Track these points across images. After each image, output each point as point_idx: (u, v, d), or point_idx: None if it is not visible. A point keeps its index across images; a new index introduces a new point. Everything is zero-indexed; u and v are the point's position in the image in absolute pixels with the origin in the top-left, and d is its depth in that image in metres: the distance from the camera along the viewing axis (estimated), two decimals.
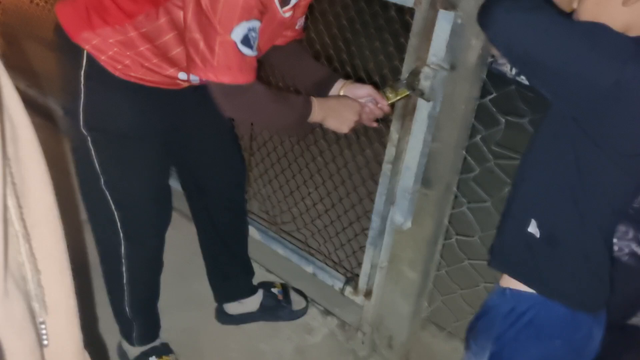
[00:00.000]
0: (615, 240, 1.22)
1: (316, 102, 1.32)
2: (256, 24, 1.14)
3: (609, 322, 1.30)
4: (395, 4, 1.51)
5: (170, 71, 1.32)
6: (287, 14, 1.27)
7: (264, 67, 1.57)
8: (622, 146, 0.83)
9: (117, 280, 1.54)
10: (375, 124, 1.44)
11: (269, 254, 2.09)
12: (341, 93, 1.43)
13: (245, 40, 1.13)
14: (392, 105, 1.44)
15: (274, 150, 2.29)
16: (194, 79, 1.34)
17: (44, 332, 0.53)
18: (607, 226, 0.93)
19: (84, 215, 1.84)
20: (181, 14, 1.19)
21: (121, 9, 1.23)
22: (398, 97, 1.41)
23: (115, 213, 1.42)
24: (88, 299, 1.83)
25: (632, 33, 0.84)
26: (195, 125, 1.55)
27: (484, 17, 0.89)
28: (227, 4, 1.07)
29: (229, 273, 1.85)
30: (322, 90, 1.46)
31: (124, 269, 1.51)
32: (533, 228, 0.93)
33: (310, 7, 1.83)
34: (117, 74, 1.28)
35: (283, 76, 1.59)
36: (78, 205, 1.98)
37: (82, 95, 1.29)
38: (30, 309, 0.49)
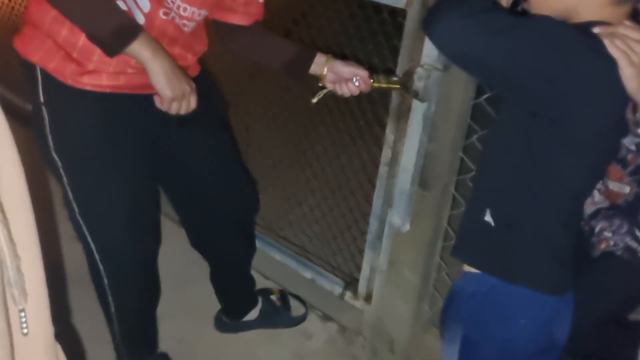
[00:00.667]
0: (609, 234, 1.22)
1: (148, 37, 1.11)
2: None
3: (608, 317, 1.30)
4: (387, 6, 1.51)
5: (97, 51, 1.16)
6: None
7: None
8: (576, 132, 0.85)
9: (107, 309, 1.49)
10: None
11: (266, 260, 2.08)
12: (325, 69, 1.34)
13: None
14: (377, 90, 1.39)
15: (269, 156, 2.29)
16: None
17: (24, 320, 0.51)
18: (565, 210, 0.95)
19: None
20: None
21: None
22: (385, 85, 1.36)
23: (92, 245, 1.34)
24: (60, 289, 1.80)
25: (579, 16, 0.85)
26: (184, 141, 1.41)
27: (431, 23, 0.88)
28: None
29: (236, 292, 1.82)
30: (300, 68, 1.35)
31: (110, 299, 1.45)
32: (488, 217, 0.95)
33: (304, 13, 1.83)
34: (69, 82, 1.18)
35: (252, 63, 1.46)
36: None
37: (46, 116, 1.21)
38: (3, 295, 0.48)
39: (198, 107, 1.25)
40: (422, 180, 1.54)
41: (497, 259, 0.98)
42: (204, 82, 1.36)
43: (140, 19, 1.17)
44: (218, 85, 1.57)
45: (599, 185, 1.24)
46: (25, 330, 0.52)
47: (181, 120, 1.27)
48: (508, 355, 0.98)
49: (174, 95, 1.14)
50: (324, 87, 1.37)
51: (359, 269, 1.82)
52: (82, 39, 1.15)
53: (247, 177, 1.62)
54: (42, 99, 1.20)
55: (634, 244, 1.20)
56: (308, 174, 2.27)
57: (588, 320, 1.31)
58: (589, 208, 1.26)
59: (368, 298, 1.81)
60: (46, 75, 1.19)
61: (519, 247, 0.96)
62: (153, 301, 1.59)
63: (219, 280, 1.79)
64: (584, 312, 1.31)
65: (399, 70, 1.46)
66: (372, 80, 1.34)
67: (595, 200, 1.26)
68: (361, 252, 1.80)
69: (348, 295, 1.86)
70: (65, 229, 2.05)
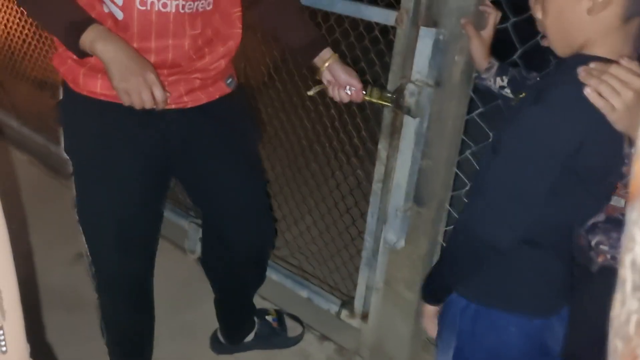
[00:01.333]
0: (606, 248, 1.22)
1: (101, 30, 1.08)
2: None
3: (607, 333, 1.27)
4: (378, 24, 1.53)
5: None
6: None
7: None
8: (592, 177, 0.90)
9: (100, 323, 1.51)
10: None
11: None
12: (325, 66, 1.32)
13: None
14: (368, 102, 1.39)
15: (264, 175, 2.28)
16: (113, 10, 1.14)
17: (2, 338, 0.51)
18: (562, 240, 0.99)
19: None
20: None
21: None
22: (376, 100, 1.36)
23: (87, 246, 1.37)
24: (34, 305, 1.79)
25: (590, 49, 0.87)
26: (202, 163, 1.38)
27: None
28: None
29: (240, 323, 1.80)
30: (304, 56, 1.34)
31: (100, 312, 1.47)
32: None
33: None
34: (77, 90, 1.24)
35: (267, 33, 1.46)
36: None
37: (63, 119, 1.31)
38: None
39: (215, 130, 1.30)
40: (417, 196, 1.54)
41: (487, 285, 1.00)
42: (232, 102, 1.36)
43: (119, 14, 1.15)
44: (251, 109, 1.54)
45: None
46: (4, 349, 0.51)
47: (183, 136, 1.29)
48: None
49: (126, 87, 1.07)
50: (320, 82, 1.35)
51: (355, 287, 1.81)
52: None
53: (268, 213, 1.57)
54: (63, 106, 1.30)
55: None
56: (303, 192, 2.27)
57: (587, 336, 1.29)
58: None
59: (365, 317, 1.79)
60: (65, 84, 1.28)
61: (511, 274, 0.99)
62: (145, 322, 1.57)
63: (224, 307, 1.77)
64: (583, 328, 1.29)
65: (390, 86, 1.47)
66: (364, 93, 1.35)
67: None
68: (357, 270, 1.79)
69: (345, 314, 1.84)
70: (39, 246, 2.06)
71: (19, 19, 3.11)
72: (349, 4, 1.50)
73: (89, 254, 1.39)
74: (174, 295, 1.96)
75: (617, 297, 0.30)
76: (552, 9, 0.89)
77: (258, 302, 2.00)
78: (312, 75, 1.39)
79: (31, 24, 3.05)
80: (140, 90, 1.07)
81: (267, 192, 1.61)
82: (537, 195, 0.88)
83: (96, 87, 1.21)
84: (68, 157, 1.32)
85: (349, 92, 1.33)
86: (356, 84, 1.32)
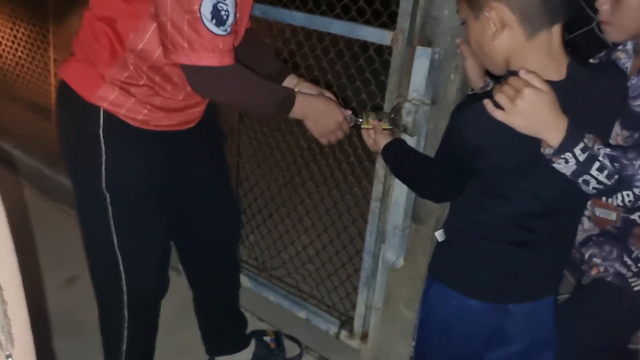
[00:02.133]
0: (599, 260, 1.22)
1: (300, 99, 1.27)
2: None
3: (601, 345, 1.28)
4: (373, 44, 1.54)
5: (181, 96, 1.29)
6: None
7: None
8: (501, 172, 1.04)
9: (117, 346, 1.49)
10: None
11: (259, 301, 2.04)
12: (295, 90, 1.36)
13: (216, 14, 1.08)
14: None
15: (260, 195, 2.27)
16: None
17: None
18: (512, 234, 1.09)
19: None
20: None
21: (113, 40, 1.21)
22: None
23: (123, 274, 1.38)
24: (44, 335, 1.77)
25: (514, 65, 0.98)
26: (197, 169, 1.50)
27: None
28: None
29: (223, 326, 1.79)
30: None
31: (125, 334, 1.46)
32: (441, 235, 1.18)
33: (291, 52, 1.86)
34: (136, 125, 1.26)
35: None
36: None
37: (103, 154, 1.25)
38: None
39: (207, 139, 1.44)
40: (415, 214, 1.53)
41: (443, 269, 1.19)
42: (212, 113, 1.47)
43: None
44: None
45: (588, 212, 1.24)
46: None
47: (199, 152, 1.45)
48: (444, 330, 1.20)
49: (326, 140, 1.35)
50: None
51: (354, 307, 1.79)
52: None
53: (235, 204, 1.72)
54: (102, 139, 1.25)
55: (623, 270, 1.20)
56: (300, 212, 2.26)
57: (582, 348, 1.29)
58: (579, 235, 1.26)
59: (364, 337, 1.77)
60: (110, 117, 1.24)
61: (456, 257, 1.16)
62: (155, 341, 1.60)
63: (202, 308, 1.77)
64: (577, 340, 1.29)
65: (387, 105, 1.48)
66: (360, 121, 1.36)
67: (585, 227, 1.26)
68: (356, 289, 1.78)
69: (344, 334, 1.82)
70: (31, 270, 2.03)
71: (12, 41, 3.11)
72: (344, 24, 1.51)
73: (124, 281, 1.38)
74: (170, 316, 1.93)
75: None
76: (471, 40, 1.05)
77: (255, 323, 1.98)
78: None
79: (24, 47, 3.05)
80: (334, 135, 1.34)
81: (230, 184, 1.75)
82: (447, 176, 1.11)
83: (162, 120, 1.29)
84: (105, 193, 1.29)
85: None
86: (327, 94, 1.39)
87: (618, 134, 1.13)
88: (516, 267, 1.12)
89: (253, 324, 1.95)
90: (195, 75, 1.15)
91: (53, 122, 2.64)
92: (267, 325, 1.99)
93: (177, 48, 1.10)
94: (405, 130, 1.42)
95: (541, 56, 0.97)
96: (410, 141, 1.42)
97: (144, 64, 1.22)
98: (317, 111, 1.30)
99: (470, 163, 1.04)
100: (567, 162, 0.95)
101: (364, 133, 1.36)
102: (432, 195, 1.25)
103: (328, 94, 1.40)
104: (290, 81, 1.42)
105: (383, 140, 1.32)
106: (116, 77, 1.23)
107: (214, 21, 1.08)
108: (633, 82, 1.10)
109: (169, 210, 1.46)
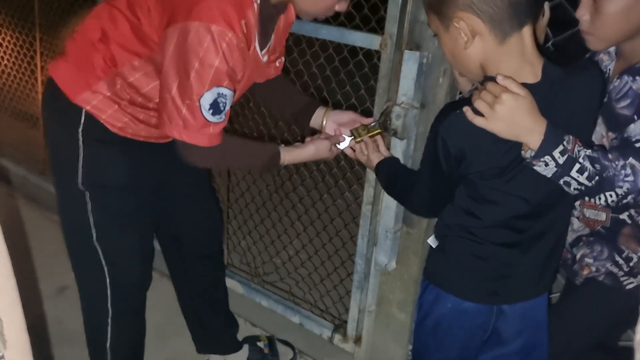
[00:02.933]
0: (590, 260, 1.24)
1: (286, 155, 1.36)
2: (227, 91, 1.18)
3: (594, 343, 1.30)
4: (362, 49, 1.55)
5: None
6: (265, 58, 1.32)
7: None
8: (490, 179, 1.05)
9: (101, 343, 1.49)
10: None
11: (252, 307, 2.04)
12: (324, 121, 1.47)
13: (214, 106, 1.17)
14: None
15: (252, 200, 2.28)
16: None
17: None
18: (502, 236, 1.10)
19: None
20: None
21: (108, 61, 1.26)
22: (368, 134, 1.39)
23: (105, 268, 1.40)
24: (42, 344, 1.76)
25: (490, 71, 0.99)
26: (177, 177, 1.55)
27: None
28: (200, 71, 1.12)
29: (211, 326, 1.79)
30: (303, 119, 1.50)
31: (109, 330, 1.47)
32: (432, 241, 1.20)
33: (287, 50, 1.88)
34: (115, 130, 1.30)
35: (262, 105, 1.67)
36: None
37: (81, 152, 1.30)
38: None
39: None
40: (406, 217, 1.55)
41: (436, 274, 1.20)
42: None
43: None
44: None
45: (577, 213, 1.26)
46: None
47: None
48: (441, 332, 1.20)
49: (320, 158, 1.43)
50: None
51: (347, 310, 1.80)
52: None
53: (217, 205, 1.74)
54: (80, 137, 1.29)
55: (615, 269, 1.21)
56: (292, 216, 2.26)
57: (575, 348, 1.31)
58: (569, 236, 1.28)
59: (358, 340, 1.78)
60: (91, 119, 1.28)
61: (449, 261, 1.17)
62: (143, 337, 1.60)
63: (188, 309, 1.78)
64: (570, 339, 1.30)
65: (376, 109, 1.49)
66: (352, 138, 1.40)
67: (575, 227, 1.27)
68: (349, 293, 1.78)
69: (337, 338, 1.83)
70: (20, 279, 2.01)
71: None
72: (333, 30, 1.52)
73: (107, 275, 1.41)
74: (163, 323, 1.93)
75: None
76: (445, 52, 1.05)
77: (249, 329, 1.98)
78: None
79: (10, 55, 3.03)
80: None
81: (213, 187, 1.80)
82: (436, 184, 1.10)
83: (140, 131, 1.34)
84: (83, 189, 1.33)
85: (340, 146, 1.43)
86: (356, 116, 1.44)
87: (604, 135, 1.15)
88: (508, 268, 1.13)
89: (246, 330, 1.95)
90: (185, 149, 1.23)
91: (41, 131, 2.62)
92: (261, 330, 1.99)
93: (172, 123, 1.18)
94: (395, 133, 1.43)
95: (515, 59, 0.98)
96: (400, 144, 1.44)
97: (131, 91, 1.28)
98: (306, 159, 1.40)
99: (455, 171, 1.05)
100: (546, 165, 0.96)
101: (357, 149, 1.40)
102: (423, 211, 1.26)
103: (358, 117, 1.44)
104: (318, 113, 1.48)
105: (376, 159, 1.35)
106: (101, 91, 1.28)
107: (210, 111, 1.17)
108: (616, 84, 1.12)
109: (152, 211, 1.48)
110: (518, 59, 0.98)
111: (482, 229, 1.10)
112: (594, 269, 1.24)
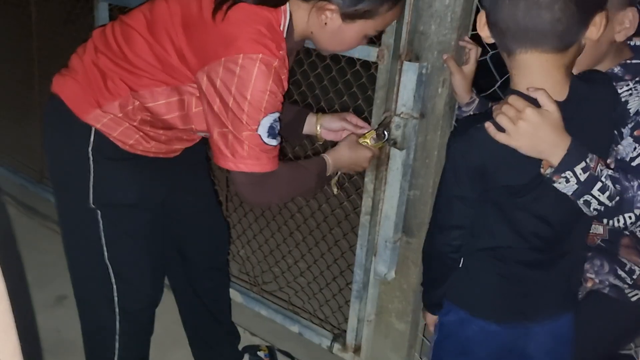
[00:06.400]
0: (592, 275, 1.23)
1: (330, 159, 1.35)
2: (278, 114, 1.18)
3: (600, 355, 1.29)
4: (360, 60, 1.55)
5: (175, 144, 1.37)
6: None
7: None
8: (510, 194, 1.02)
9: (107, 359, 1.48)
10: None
11: (252, 316, 2.04)
12: (317, 127, 1.46)
13: (271, 131, 1.17)
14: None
15: (250, 210, 2.27)
16: (200, 133, 1.36)
17: None
18: (524, 256, 1.07)
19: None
20: (192, 99, 1.23)
21: (124, 82, 1.24)
22: (372, 146, 1.40)
23: (115, 287, 1.39)
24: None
25: (514, 85, 0.97)
26: (184, 190, 1.55)
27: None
28: (254, 101, 1.12)
29: (213, 341, 1.78)
30: (294, 130, 1.48)
31: (116, 346, 1.46)
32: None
33: None
34: (126, 148, 1.30)
35: None
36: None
37: (92, 170, 1.29)
38: None
39: (195, 167, 1.53)
40: (406, 227, 1.54)
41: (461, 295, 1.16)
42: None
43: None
44: None
45: None
46: None
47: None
48: (467, 356, 1.16)
49: (363, 169, 1.44)
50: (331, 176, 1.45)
51: (347, 320, 1.79)
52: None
53: (223, 219, 1.76)
54: (90, 156, 1.28)
55: (619, 283, 1.21)
56: (290, 226, 2.26)
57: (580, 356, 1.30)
58: None
59: (357, 350, 1.77)
60: (101, 137, 1.27)
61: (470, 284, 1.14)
62: (148, 352, 1.60)
63: (190, 324, 1.77)
64: (579, 353, 1.30)
65: (374, 119, 1.49)
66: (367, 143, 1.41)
67: None
68: (348, 302, 1.78)
69: (337, 347, 1.82)
70: (19, 289, 2.01)
71: None
72: None
73: (116, 294, 1.39)
74: (162, 335, 1.91)
75: None
76: None
77: (248, 338, 1.97)
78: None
79: (6, 62, 3.03)
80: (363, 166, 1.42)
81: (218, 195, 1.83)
82: (457, 207, 1.06)
83: (151, 148, 1.34)
84: (94, 208, 1.31)
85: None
86: (347, 124, 1.43)
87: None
88: (534, 287, 1.10)
89: (246, 339, 1.94)
90: (249, 182, 1.20)
91: (37, 139, 2.61)
92: (260, 340, 1.99)
93: (236, 156, 1.17)
94: (394, 144, 1.43)
95: (529, 76, 0.95)
96: (400, 154, 1.44)
97: (144, 114, 1.26)
98: (347, 161, 1.37)
99: (474, 188, 1.02)
100: (567, 181, 0.93)
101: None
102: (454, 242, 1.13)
103: (350, 116, 1.44)
104: (310, 120, 1.47)
105: None
106: (112, 111, 1.26)
107: (269, 136, 1.17)
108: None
109: (161, 226, 1.48)
110: (534, 75, 0.94)
111: (505, 249, 1.07)
112: (597, 281, 1.23)
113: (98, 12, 2.13)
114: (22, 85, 2.98)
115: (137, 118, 1.27)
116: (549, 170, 0.94)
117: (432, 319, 1.25)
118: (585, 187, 0.93)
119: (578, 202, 0.96)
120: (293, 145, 2.01)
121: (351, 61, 1.65)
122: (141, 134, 1.29)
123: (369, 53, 1.46)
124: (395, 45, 1.40)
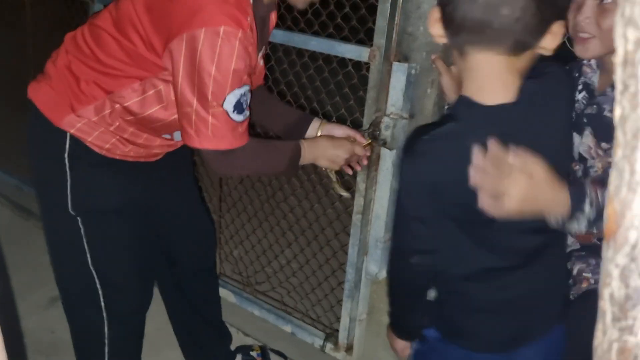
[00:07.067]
0: (589, 274, 1.23)
1: (305, 146, 1.32)
2: (247, 88, 1.16)
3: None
4: (352, 60, 1.57)
5: (157, 141, 1.33)
6: (261, 62, 1.33)
7: None
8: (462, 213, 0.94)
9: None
10: (349, 170, 1.43)
11: (245, 316, 2.04)
12: (319, 133, 1.43)
13: (238, 106, 1.15)
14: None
15: (244, 210, 2.28)
16: (177, 138, 1.34)
17: None
18: (490, 277, 1.00)
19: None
20: (170, 87, 1.20)
21: (99, 85, 1.23)
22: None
23: (100, 292, 1.37)
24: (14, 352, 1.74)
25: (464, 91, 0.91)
26: (168, 193, 1.54)
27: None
28: (218, 76, 1.09)
29: (204, 341, 1.78)
30: (297, 133, 1.46)
31: (106, 350, 1.45)
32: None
33: (271, 69, 1.89)
34: (103, 153, 1.28)
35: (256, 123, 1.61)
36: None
37: (68, 177, 1.27)
38: None
39: (179, 168, 1.50)
40: None
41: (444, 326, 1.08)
42: None
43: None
44: None
45: None
46: None
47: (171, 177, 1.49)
48: None
49: (345, 165, 1.38)
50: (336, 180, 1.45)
51: (339, 319, 1.81)
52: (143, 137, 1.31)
53: (210, 218, 1.74)
54: (66, 162, 1.26)
55: None
56: (283, 226, 2.27)
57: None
58: None
59: (349, 349, 1.78)
60: (77, 143, 1.25)
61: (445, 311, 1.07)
62: (140, 355, 1.60)
63: (181, 326, 1.76)
64: (571, 351, 1.29)
65: (366, 119, 1.51)
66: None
67: (567, 242, 1.27)
68: (340, 302, 1.79)
69: (329, 347, 1.83)
70: (13, 290, 2.01)
71: None
72: (323, 42, 1.54)
73: (102, 299, 1.38)
74: (153, 334, 1.91)
75: (599, 327, 0.32)
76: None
77: (241, 338, 1.98)
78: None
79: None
80: (350, 161, 1.38)
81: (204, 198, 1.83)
82: (415, 229, 0.97)
83: (129, 152, 1.31)
84: (74, 214, 1.30)
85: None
86: (351, 132, 1.41)
87: (592, 147, 1.15)
88: (510, 310, 1.03)
89: (238, 339, 1.95)
90: (215, 158, 1.19)
91: None
92: (253, 340, 1.99)
93: (200, 136, 1.15)
94: (384, 144, 1.45)
95: (479, 78, 0.89)
96: (390, 154, 1.45)
97: (124, 116, 1.25)
98: (324, 150, 1.34)
99: (431, 207, 0.93)
100: (578, 222, 0.88)
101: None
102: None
103: (353, 132, 1.41)
104: (314, 125, 1.45)
105: None
106: (87, 116, 1.24)
107: (235, 112, 1.15)
108: (610, 94, 1.12)
109: (146, 230, 1.47)
110: (485, 77, 0.88)
111: (479, 272, 1.00)
112: (592, 281, 1.23)
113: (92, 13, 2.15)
114: (15, 86, 2.99)
115: (115, 123, 1.25)
116: (554, 221, 0.88)
117: (401, 345, 1.16)
118: (596, 218, 0.88)
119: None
120: None
121: (343, 62, 1.67)
122: (117, 137, 1.27)
123: (360, 53, 1.47)
124: (387, 46, 1.42)
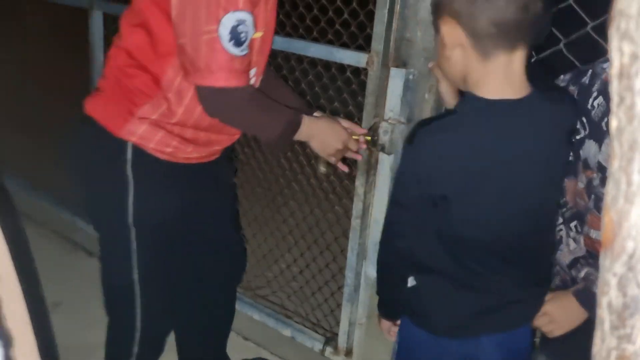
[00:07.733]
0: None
1: (306, 119, 1.27)
2: (246, 16, 1.07)
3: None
4: (350, 66, 1.58)
5: (214, 137, 1.31)
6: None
7: None
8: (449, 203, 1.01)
9: None
10: (345, 167, 1.41)
11: (244, 320, 2.05)
12: None
13: (235, 35, 1.06)
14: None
15: (244, 214, 2.29)
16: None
17: None
18: (469, 268, 1.06)
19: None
20: None
21: (147, 82, 1.21)
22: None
23: (138, 312, 1.36)
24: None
25: (470, 82, 0.98)
26: (213, 205, 1.48)
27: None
28: None
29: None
30: None
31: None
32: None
33: (277, 67, 1.89)
34: (165, 158, 1.25)
35: None
36: None
37: (132, 188, 1.24)
38: None
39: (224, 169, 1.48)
40: None
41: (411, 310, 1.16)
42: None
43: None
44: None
45: (574, 234, 1.24)
46: None
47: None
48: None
49: (329, 157, 1.33)
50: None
51: (338, 323, 1.81)
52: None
53: (240, 235, 1.71)
54: (129, 173, 1.24)
55: None
56: (283, 230, 2.28)
57: None
58: (566, 258, 1.25)
59: (349, 353, 1.79)
60: (139, 152, 1.23)
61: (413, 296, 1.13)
62: None
63: (186, 351, 1.70)
64: (577, 355, 1.28)
65: (364, 125, 1.51)
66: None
67: (572, 249, 1.25)
68: (340, 306, 1.80)
69: (329, 351, 1.84)
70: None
71: None
72: (322, 48, 1.55)
73: (138, 308, 1.36)
74: None
75: (597, 335, 0.33)
76: (437, 54, 1.03)
77: (240, 342, 1.98)
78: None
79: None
80: (342, 152, 1.33)
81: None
82: (404, 215, 1.05)
83: (192, 153, 1.29)
84: (132, 227, 1.27)
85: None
86: (351, 125, 1.40)
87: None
88: (481, 300, 1.09)
89: (238, 344, 1.95)
90: (209, 96, 1.13)
91: (31, 145, 2.62)
92: (253, 344, 2.00)
93: (195, 69, 1.08)
94: (382, 149, 1.46)
95: (498, 79, 0.95)
96: (388, 159, 1.46)
97: (180, 105, 1.21)
98: (322, 131, 1.29)
99: (421, 196, 1.00)
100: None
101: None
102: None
103: (354, 125, 1.40)
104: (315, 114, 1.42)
105: None
106: (146, 115, 1.22)
107: (232, 42, 1.07)
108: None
109: (194, 236, 1.44)
110: (501, 79, 0.95)
111: (446, 263, 1.06)
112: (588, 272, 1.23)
113: (93, 21, 2.15)
114: (14, 93, 2.99)
115: (174, 118, 1.22)
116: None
117: (386, 325, 1.25)
118: None
119: None
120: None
121: (342, 68, 1.68)
122: (178, 139, 1.24)
123: (359, 59, 1.48)
124: (385, 51, 1.43)
